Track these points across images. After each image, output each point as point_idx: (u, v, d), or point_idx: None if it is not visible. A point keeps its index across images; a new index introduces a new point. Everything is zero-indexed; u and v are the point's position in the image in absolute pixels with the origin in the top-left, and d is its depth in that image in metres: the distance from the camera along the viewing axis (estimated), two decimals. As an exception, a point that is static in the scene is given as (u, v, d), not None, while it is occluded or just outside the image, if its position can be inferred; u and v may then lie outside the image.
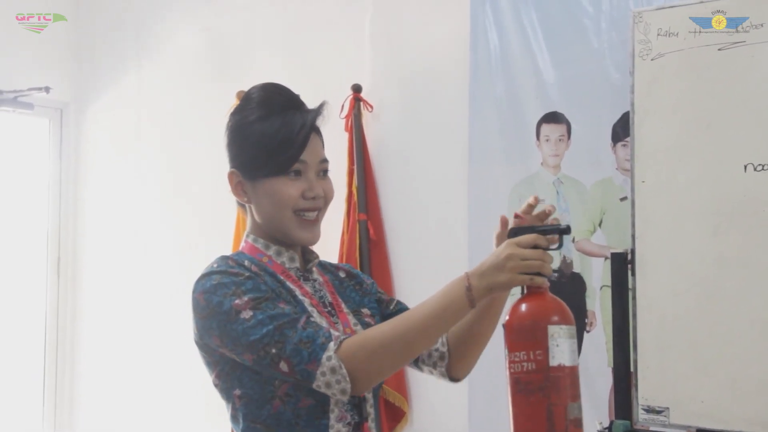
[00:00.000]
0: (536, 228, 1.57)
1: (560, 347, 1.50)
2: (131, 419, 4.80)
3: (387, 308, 1.87)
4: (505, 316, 1.60)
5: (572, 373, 1.52)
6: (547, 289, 1.56)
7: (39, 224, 5.13)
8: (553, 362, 1.49)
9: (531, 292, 1.55)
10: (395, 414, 3.63)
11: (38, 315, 5.11)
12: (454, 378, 1.86)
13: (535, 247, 1.54)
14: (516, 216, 1.66)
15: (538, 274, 1.53)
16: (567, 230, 1.58)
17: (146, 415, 4.72)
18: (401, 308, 1.88)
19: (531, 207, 1.65)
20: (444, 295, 1.58)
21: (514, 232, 1.58)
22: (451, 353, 1.83)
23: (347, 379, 1.53)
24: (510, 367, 1.53)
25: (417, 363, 1.85)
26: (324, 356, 1.53)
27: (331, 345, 1.54)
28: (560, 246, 1.59)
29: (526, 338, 1.51)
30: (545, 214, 1.63)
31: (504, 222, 1.67)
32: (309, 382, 1.54)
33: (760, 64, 2.40)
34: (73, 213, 5.14)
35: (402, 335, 1.57)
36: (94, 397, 5.02)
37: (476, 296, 1.56)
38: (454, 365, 1.84)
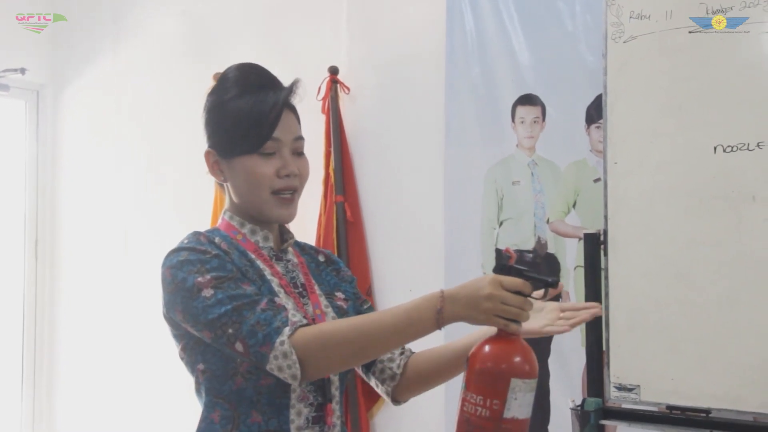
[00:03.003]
0: (524, 273, 1.51)
1: (518, 401, 1.47)
2: (110, 402, 4.81)
3: (360, 306, 1.87)
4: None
5: (522, 425, 1.49)
6: (519, 336, 1.51)
7: (16, 206, 5.12)
8: (507, 414, 1.46)
9: (502, 336, 1.51)
10: (373, 393, 3.66)
11: (16, 297, 5.11)
12: (396, 400, 1.86)
13: (518, 292, 1.49)
14: (506, 251, 1.62)
15: (515, 320, 1.49)
16: (554, 284, 1.52)
17: (125, 398, 4.73)
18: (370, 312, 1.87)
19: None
20: (412, 310, 1.53)
21: (502, 269, 1.52)
22: (404, 378, 1.83)
23: (297, 365, 1.52)
24: (463, 404, 1.50)
25: (369, 371, 1.85)
26: (278, 340, 1.53)
27: (286, 330, 1.54)
28: (544, 299, 1.54)
29: (487, 384, 1.48)
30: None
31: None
32: (262, 363, 1.55)
33: (729, 47, 2.42)
34: (50, 195, 5.13)
35: (359, 338, 1.55)
36: (73, 378, 5.03)
37: (445, 321, 1.52)
38: (403, 390, 1.84)
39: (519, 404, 1.47)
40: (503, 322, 1.49)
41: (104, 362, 4.85)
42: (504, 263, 1.54)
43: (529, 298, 1.50)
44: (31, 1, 4.68)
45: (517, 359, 1.49)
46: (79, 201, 5.05)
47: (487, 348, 1.51)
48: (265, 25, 4.20)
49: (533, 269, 1.55)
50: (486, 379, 1.48)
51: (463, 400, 1.51)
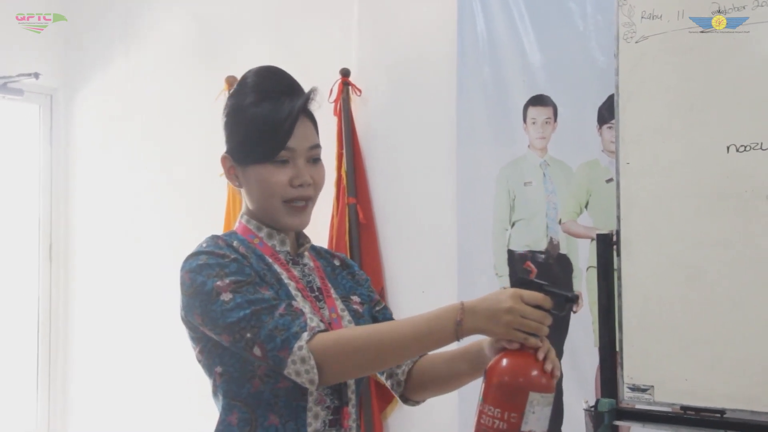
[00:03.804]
0: (545, 287, 1.52)
1: (536, 414, 1.48)
2: (124, 404, 4.82)
3: (373, 308, 1.87)
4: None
5: None
6: (537, 351, 1.51)
7: (30, 210, 5.14)
8: (525, 428, 1.47)
9: (521, 350, 1.51)
10: (386, 395, 3.67)
11: (31, 301, 5.13)
12: (413, 401, 1.87)
13: (538, 306, 1.49)
14: (527, 265, 1.62)
15: (534, 334, 1.50)
16: (574, 299, 1.53)
17: (139, 400, 4.75)
18: (386, 315, 1.88)
19: None
20: (432, 320, 1.54)
21: (522, 283, 1.53)
22: (411, 383, 1.83)
23: (315, 370, 1.53)
24: (480, 416, 1.51)
25: (381, 374, 1.86)
26: (296, 345, 1.53)
27: (305, 335, 1.54)
28: (563, 313, 1.53)
29: (505, 397, 1.48)
30: None
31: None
32: (280, 368, 1.55)
33: (741, 46, 2.42)
34: (64, 198, 5.16)
35: (378, 345, 1.56)
36: (87, 381, 5.05)
37: (464, 333, 1.52)
38: (414, 392, 1.85)
39: (537, 418, 1.48)
40: (522, 335, 1.49)
41: (118, 363, 4.86)
42: (524, 277, 1.55)
43: (548, 313, 1.51)
44: (42, 4, 4.69)
45: (535, 373, 1.50)
46: (93, 203, 5.07)
47: (505, 361, 1.52)
48: (275, 28, 4.21)
49: (552, 284, 1.55)
50: (504, 392, 1.49)
51: (481, 412, 1.51)
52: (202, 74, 4.39)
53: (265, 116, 1.68)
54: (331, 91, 3.79)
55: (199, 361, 1.73)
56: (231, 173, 1.77)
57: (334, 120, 3.79)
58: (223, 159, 1.78)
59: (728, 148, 2.41)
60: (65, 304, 5.16)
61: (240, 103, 1.72)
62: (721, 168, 2.42)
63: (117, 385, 4.87)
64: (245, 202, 1.79)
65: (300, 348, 1.54)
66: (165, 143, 4.70)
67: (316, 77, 3.92)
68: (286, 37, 4.13)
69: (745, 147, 2.39)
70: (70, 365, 5.15)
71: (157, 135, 4.74)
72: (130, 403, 4.79)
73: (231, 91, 1.78)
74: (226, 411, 1.68)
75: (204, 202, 4.33)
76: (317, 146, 1.75)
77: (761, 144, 2.36)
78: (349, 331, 1.63)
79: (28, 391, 5.13)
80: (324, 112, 3.68)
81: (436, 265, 3.60)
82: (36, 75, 4.67)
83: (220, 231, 3.86)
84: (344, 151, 3.76)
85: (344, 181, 3.75)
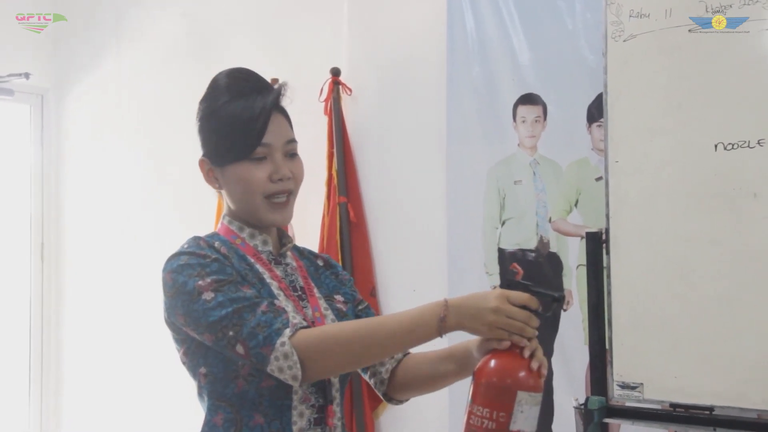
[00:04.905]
0: (531, 288, 1.53)
1: (524, 413, 1.49)
2: (116, 402, 4.82)
3: (356, 307, 1.88)
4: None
5: None
6: (524, 350, 1.52)
7: (22, 210, 5.14)
8: (514, 427, 1.48)
9: (508, 350, 1.52)
10: (376, 394, 3.67)
11: (23, 300, 5.13)
12: (397, 400, 1.88)
13: (524, 307, 1.51)
14: (513, 267, 1.63)
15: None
16: (560, 299, 1.55)
17: (131, 399, 4.75)
18: (368, 314, 1.88)
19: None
20: (416, 316, 1.56)
21: (508, 284, 1.55)
22: (395, 381, 1.84)
23: (298, 366, 1.54)
24: (470, 417, 1.51)
25: (365, 372, 1.87)
26: (278, 341, 1.54)
27: (287, 331, 1.55)
28: (549, 313, 1.55)
29: (493, 397, 1.50)
30: None
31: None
32: (263, 365, 1.56)
33: (729, 45, 2.42)
34: (55, 198, 5.16)
35: (361, 340, 1.57)
36: (80, 381, 5.05)
37: (447, 329, 1.54)
38: (398, 391, 1.85)
39: (525, 417, 1.49)
40: (507, 335, 1.51)
41: (110, 363, 4.86)
42: (511, 278, 1.56)
43: (534, 313, 1.52)
44: (33, 4, 4.69)
45: (523, 372, 1.51)
46: (84, 203, 5.07)
47: (493, 362, 1.53)
48: (266, 27, 4.21)
49: (539, 284, 1.55)
50: (492, 392, 1.50)
51: (470, 412, 1.52)
52: (193, 74, 4.38)
53: (239, 114, 1.69)
54: (322, 90, 3.79)
55: (184, 363, 1.73)
56: (210, 176, 1.78)
57: (325, 119, 3.79)
58: (201, 163, 1.79)
59: (716, 146, 2.42)
60: (57, 304, 5.16)
61: (213, 105, 1.73)
62: (710, 166, 2.43)
63: (109, 384, 4.86)
64: (226, 204, 1.80)
65: (282, 344, 1.54)
66: (156, 142, 4.69)
67: (306, 77, 3.94)
68: (277, 37, 4.13)
69: (733, 145, 2.40)
70: (62, 365, 5.14)
71: (148, 134, 4.74)
72: (122, 402, 4.79)
73: (202, 96, 1.78)
74: (211, 412, 1.69)
75: (196, 201, 4.32)
76: (293, 141, 1.76)
77: (748, 142, 2.37)
78: (333, 327, 1.63)
79: (20, 391, 5.12)
80: (314, 112, 3.72)
81: (426, 264, 3.61)
82: (26, 75, 4.66)
83: (211, 229, 3.89)
84: (335, 151, 3.76)
85: (335, 181, 3.74)
